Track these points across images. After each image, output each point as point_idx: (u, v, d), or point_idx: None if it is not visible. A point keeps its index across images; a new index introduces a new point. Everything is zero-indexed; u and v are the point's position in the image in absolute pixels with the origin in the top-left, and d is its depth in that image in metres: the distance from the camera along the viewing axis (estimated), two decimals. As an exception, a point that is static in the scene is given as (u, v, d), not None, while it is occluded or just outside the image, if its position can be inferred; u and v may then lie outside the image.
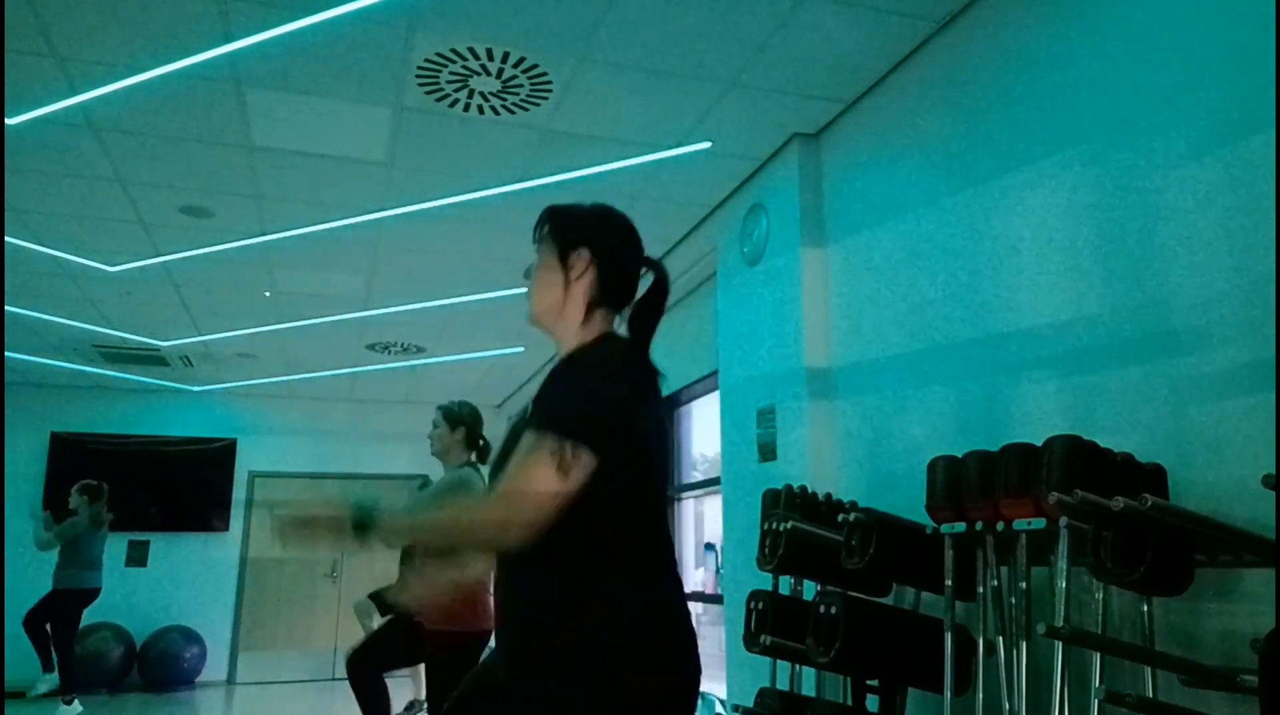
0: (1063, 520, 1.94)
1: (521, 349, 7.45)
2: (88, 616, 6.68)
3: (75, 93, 3.48)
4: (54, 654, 6.48)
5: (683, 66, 3.34)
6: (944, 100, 3.07)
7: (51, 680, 6.53)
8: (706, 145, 3.94)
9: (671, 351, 4.44)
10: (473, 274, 5.61)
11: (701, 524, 5.65)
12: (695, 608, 5.06)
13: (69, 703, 6.37)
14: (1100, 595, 2.02)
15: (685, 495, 5.70)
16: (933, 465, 2.39)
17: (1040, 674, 2.21)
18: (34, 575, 7.35)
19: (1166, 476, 2.07)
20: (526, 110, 3.65)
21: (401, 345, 7.39)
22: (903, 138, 3.28)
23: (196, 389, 9.09)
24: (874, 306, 3.37)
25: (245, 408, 9.43)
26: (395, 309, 6.30)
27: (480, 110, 3.65)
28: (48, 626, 6.46)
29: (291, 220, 4.77)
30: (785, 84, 3.46)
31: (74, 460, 8.60)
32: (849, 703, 2.72)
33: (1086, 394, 2.38)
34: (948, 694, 2.30)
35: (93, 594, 6.54)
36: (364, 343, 7.29)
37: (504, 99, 3.57)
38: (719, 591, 4.76)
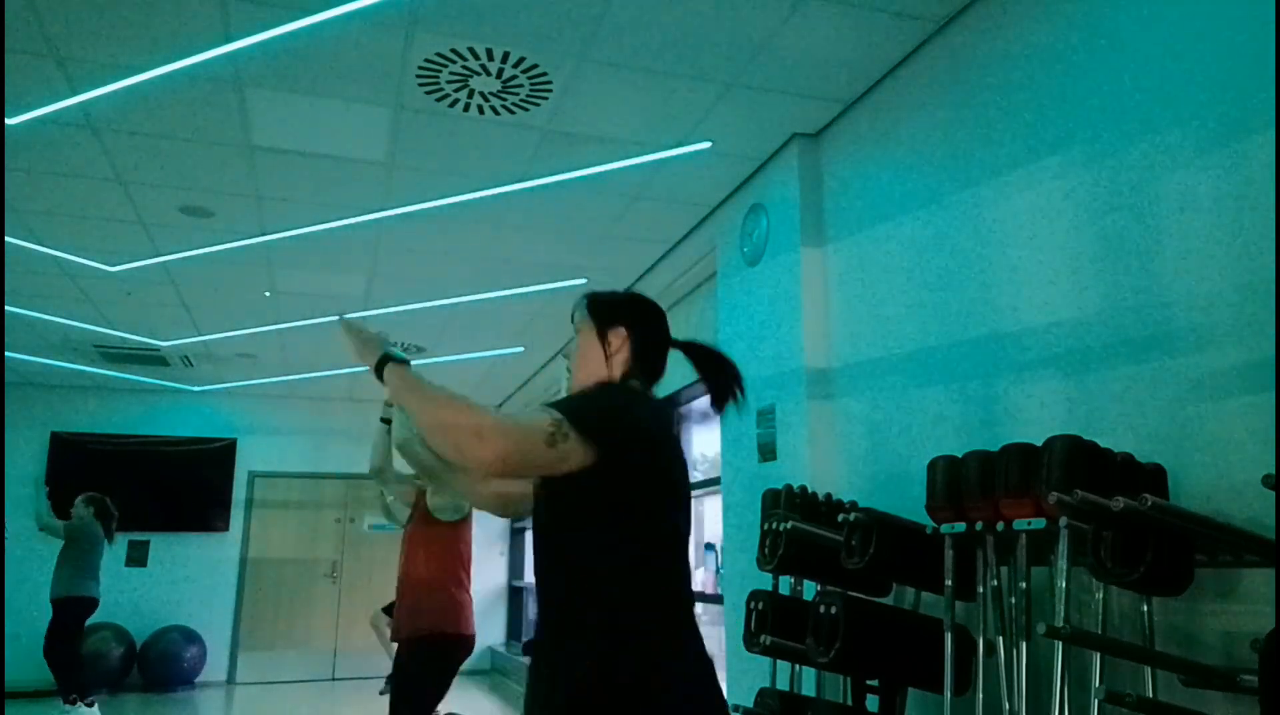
0: (1063, 520, 1.94)
1: (521, 349, 7.45)
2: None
3: (75, 93, 3.48)
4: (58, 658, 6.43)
5: (683, 66, 3.34)
6: (944, 100, 3.07)
7: (77, 711, 6.44)
8: (706, 145, 3.94)
9: (671, 351, 4.40)
10: (473, 274, 5.61)
11: (701, 524, 5.64)
12: (695, 608, 5.03)
13: (90, 704, 6.36)
14: (1100, 595, 2.02)
15: (685, 495, 5.68)
16: (933, 465, 2.39)
17: (1040, 674, 2.21)
18: (34, 575, 7.36)
19: (1166, 476, 2.07)
20: (526, 110, 3.65)
21: (401, 345, 7.39)
22: (903, 138, 3.28)
23: (196, 389, 9.09)
24: (874, 306, 3.37)
25: (245, 408, 9.44)
26: (395, 309, 6.30)
27: (480, 110, 3.65)
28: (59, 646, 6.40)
29: (291, 220, 4.77)
30: (785, 84, 3.46)
31: (74, 460, 8.61)
32: (849, 703, 2.72)
33: (1086, 394, 2.38)
34: (948, 694, 2.30)
35: (92, 603, 6.50)
36: (364, 343, 7.28)
37: (504, 99, 3.57)
38: (719, 591, 4.76)
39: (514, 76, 3.41)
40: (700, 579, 5.54)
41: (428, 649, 3.40)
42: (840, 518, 2.55)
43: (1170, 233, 2.18)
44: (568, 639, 1.52)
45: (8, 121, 3.65)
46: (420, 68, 3.36)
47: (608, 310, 1.79)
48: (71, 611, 6.42)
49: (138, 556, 8.84)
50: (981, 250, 2.83)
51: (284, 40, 3.16)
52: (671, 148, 3.97)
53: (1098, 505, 1.80)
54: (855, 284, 3.51)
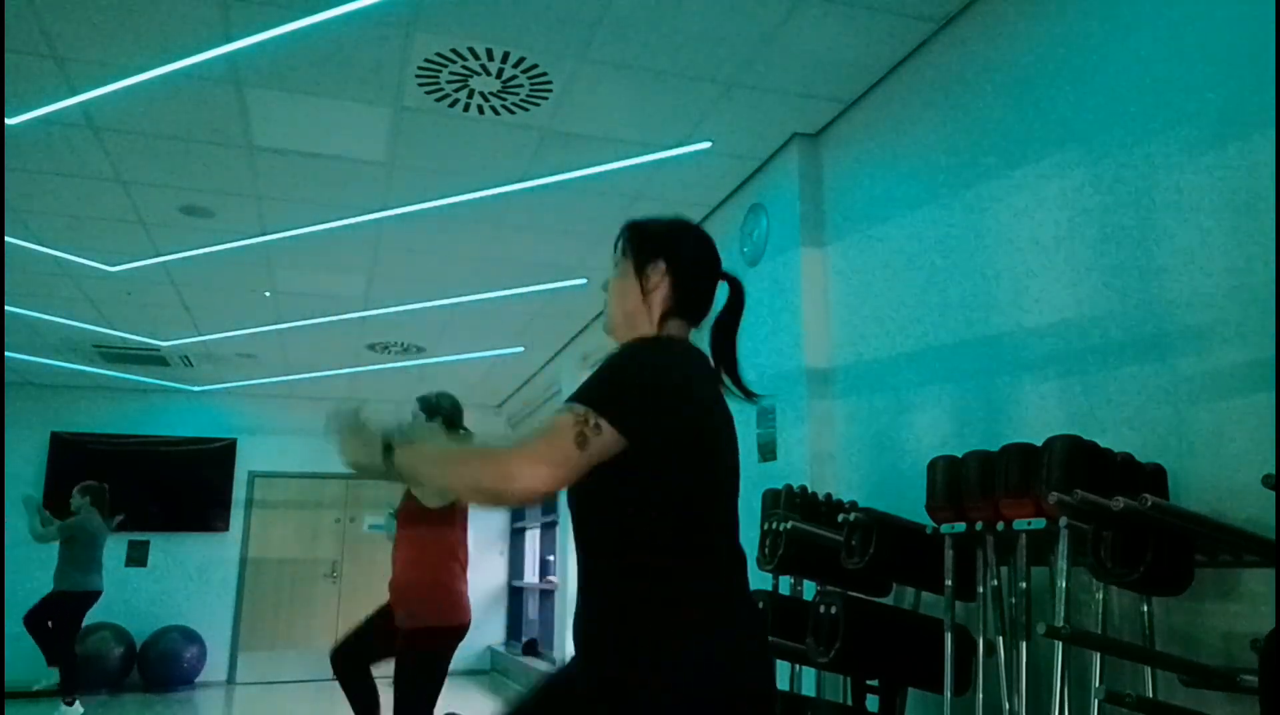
0: (1063, 520, 1.94)
1: (521, 349, 7.45)
2: (88, 616, 6.67)
3: (75, 93, 3.48)
4: (57, 652, 6.46)
5: (683, 66, 3.34)
6: (944, 100, 3.07)
7: (53, 675, 6.50)
8: (706, 145, 3.94)
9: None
10: (473, 274, 5.61)
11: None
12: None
13: (70, 703, 6.37)
14: (1100, 595, 2.02)
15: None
16: (933, 465, 2.39)
17: (1040, 674, 2.21)
18: (34, 575, 7.36)
19: (1166, 476, 2.07)
20: (526, 110, 3.65)
21: (402, 345, 7.39)
22: (903, 138, 3.28)
23: (196, 389, 9.08)
24: (874, 306, 3.37)
25: (245, 408, 9.43)
26: (395, 309, 6.30)
27: (480, 110, 3.65)
28: (49, 624, 6.45)
29: (291, 220, 4.76)
30: (785, 84, 3.46)
31: (74, 460, 8.60)
32: (849, 703, 2.72)
33: (1086, 394, 2.38)
34: (948, 694, 2.30)
35: (94, 596, 6.52)
36: (364, 343, 7.29)
37: (504, 99, 3.57)
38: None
39: (514, 76, 3.41)
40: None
41: (426, 641, 3.40)
42: (840, 518, 2.55)
43: (1170, 233, 2.18)
44: (610, 610, 1.46)
45: (8, 121, 3.65)
46: (420, 68, 3.36)
47: (646, 241, 1.64)
48: (72, 605, 6.43)
49: (138, 556, 8.84)
50: (981, 250, 2.83)
51: (284, 40, 3.16)
52: (671, 148, 3.97)
53: (1098, 505, 1.80)
54: (855, 284, 3.51)
